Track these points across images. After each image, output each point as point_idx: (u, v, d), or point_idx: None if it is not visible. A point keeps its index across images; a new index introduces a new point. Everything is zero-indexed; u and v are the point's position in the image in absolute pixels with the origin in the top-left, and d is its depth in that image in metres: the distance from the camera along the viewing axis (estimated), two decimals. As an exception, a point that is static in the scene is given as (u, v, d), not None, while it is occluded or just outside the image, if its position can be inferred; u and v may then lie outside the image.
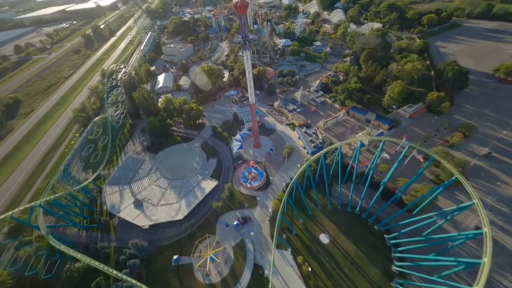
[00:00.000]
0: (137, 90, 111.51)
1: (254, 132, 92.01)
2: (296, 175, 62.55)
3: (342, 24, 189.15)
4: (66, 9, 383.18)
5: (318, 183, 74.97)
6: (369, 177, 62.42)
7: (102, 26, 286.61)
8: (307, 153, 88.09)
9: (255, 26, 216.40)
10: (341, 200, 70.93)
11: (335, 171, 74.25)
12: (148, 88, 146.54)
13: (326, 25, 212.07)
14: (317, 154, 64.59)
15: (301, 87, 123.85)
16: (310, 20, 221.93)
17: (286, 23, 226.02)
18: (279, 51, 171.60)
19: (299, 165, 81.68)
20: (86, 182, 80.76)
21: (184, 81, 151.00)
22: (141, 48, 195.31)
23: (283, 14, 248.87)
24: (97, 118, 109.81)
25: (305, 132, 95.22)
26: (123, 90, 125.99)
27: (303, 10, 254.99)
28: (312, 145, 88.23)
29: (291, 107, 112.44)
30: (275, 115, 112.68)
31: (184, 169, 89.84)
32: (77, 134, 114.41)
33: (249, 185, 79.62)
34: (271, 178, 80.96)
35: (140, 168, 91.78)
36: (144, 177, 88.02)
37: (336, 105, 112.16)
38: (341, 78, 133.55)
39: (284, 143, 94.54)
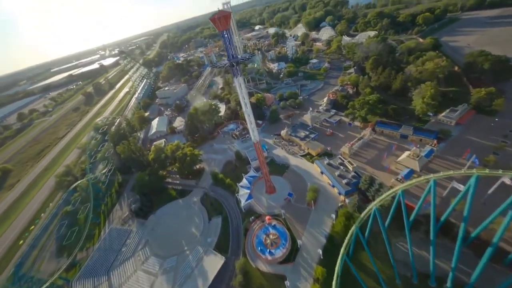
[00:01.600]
0: (121, 144, 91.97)
1: (263, 174, 68.17)
2: (343, 247, 36.92)
3: (334, 39, 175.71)
4: (72, 74, 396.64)
5: (369, 241, 48.29)
6: (461, 229, 36.09)
7: (102, 82, 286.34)
8: (339, 193, 62.56)
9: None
10: (415, 267, 43.42)
11: (392, 220, 47.92)
12: (141, 136, 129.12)
13: (317, 44, 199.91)
14: (365, 212, 39.46)
15: (310, 109, 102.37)
16: (300, 42, 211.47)
17: (276, 48, 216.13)
18: (277, 75, 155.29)
19: (333, 215, 56.03)
20: (48, 283, 56.23)
21: (179, 122, 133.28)
22: (136, 96, 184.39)
23: (271, 41, 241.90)
24: (78, 182, 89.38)
25: (329, 164, 70.74)
26: (111, 144, 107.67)
27: (291, 34, 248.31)
28: (344, 181, 63.06)
29: (302, 133, 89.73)
30: (285, 146, 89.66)
31: (180, 238, 64.88)
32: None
33: (269, 257, 53.32)
34: (298, 241, 54.62)
35: (125, 244, 67.37)
36: (129, 258, 63.13)
37: (357, 123, 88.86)
38: (350, 91, 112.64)
39: (304, 183, 69.86)
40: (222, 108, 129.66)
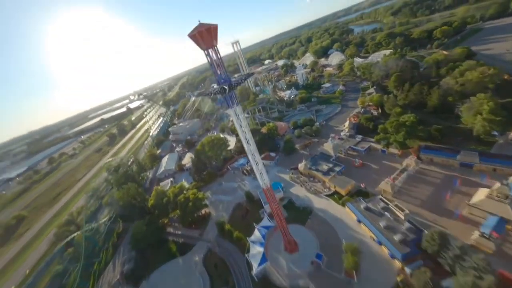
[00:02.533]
0: (121, 189, 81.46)
1: (280, 228, 50.64)
2: None
3: (346, 62, 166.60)
4: (103, 118, 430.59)
5: None
6: None
7: (125, 123, 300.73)
8: (392, 256, 42.21)
9: (257, 88, 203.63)
10: None
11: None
12: (150, 175, 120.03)
13: (327, 69, 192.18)
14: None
15: (331, 136, 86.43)
16: (309, 69, 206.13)
17: (286, 78, 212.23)
18: (289, 102, 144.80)
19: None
20: None
21: (188, 159, 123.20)
22: (151, 134, 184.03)
23: (281, 72, 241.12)
24: (71, 236, 78.06)
25: (367, 208, 51.60)
26: (116, 188, 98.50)
27: (300, 63, 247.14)
28: (396, 237, 43.09)
29: (324, 166, 72.55)
30: (305, 183, 72.30)
31: (173, 322, 46.60)
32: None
33: None
34: None
35: (105, 328, 50.30)
36: None
37: (393, 150, 70.24)
38: (374, 112, 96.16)
39: (336, 237, 50.66)
40: (233, 141, 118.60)
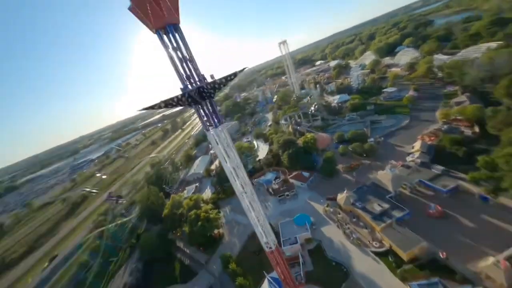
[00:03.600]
0: (143, 191, 79.92)
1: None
2: None
3: (420, 61, 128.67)
4: (165, 114, 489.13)
5: None
6: None
7: (178, 120, 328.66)
8: None
9: (303, 91, 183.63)
10: None
11: None
12: (181, 176, 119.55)
13: (393, 69, 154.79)
14: None
15: (390, 163, 62.24)
16: (368, 70, 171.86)
17: (338, 80, 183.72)
18: (337, 110, 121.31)
19: None
20: None
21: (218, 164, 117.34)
22: (192, 133, 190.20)
23: (332, 74, 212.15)
24: (100, 229, 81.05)
25: (452, 308, 29.37)
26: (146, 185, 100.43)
27: (356, 64, 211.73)
28: None
29: (376, 205, 50.73)
30: (344, 225, 52.32)
31: None
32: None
33: None
34: None
35: None
36: None
37: (506, 199, 42.44)
38: (468, 132, 65.21)
39: None
40: (264, 150, 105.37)
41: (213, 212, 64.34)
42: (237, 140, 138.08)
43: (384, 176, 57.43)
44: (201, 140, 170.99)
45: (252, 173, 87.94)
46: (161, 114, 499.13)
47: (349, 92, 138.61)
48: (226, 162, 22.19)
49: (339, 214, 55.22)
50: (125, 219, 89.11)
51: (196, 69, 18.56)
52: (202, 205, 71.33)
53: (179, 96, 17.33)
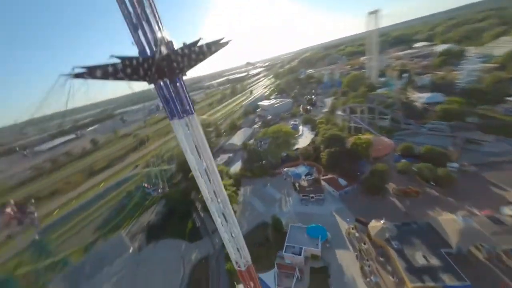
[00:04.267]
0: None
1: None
2: None
3: None
4: (228, 78, 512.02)
5: None
6: None
7: (238, 86, 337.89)
8: None
9: (381, 79, 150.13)
10: None
11: None
12: (221, 143, 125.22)
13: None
14: None
15: (465, 210, 44.38)
16: (495, 65, 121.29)
17: (439, 72, 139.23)
18: (421, 111, 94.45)
19: None
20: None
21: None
22: (244, 103, 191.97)
23: (433, 62, 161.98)
24: (146, 169, 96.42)
25: None
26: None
27: (478, 53, 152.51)
28: None
29: (419, 257, 38.17)
30: (365, 257, 42.64)
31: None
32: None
33: None
34: None
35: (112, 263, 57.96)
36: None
37: None
38: None
39: None
40: (307, 139, 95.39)
41: (230, 189, 64.59)
42: (285, 120, 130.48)
43: (451, 222, 41.55)
44: (250, 112, 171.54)
45: (284, 161, 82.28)
46: (225, 78, 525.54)
47: (447, 91, 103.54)
48: (195, 163, 18.09)
49: (364, 244, 45.10)
50: (167, 167, 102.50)
51: (161, 30, 13.73)
52: (225, 178, 72.80)
53: (138, 61, 13.17)
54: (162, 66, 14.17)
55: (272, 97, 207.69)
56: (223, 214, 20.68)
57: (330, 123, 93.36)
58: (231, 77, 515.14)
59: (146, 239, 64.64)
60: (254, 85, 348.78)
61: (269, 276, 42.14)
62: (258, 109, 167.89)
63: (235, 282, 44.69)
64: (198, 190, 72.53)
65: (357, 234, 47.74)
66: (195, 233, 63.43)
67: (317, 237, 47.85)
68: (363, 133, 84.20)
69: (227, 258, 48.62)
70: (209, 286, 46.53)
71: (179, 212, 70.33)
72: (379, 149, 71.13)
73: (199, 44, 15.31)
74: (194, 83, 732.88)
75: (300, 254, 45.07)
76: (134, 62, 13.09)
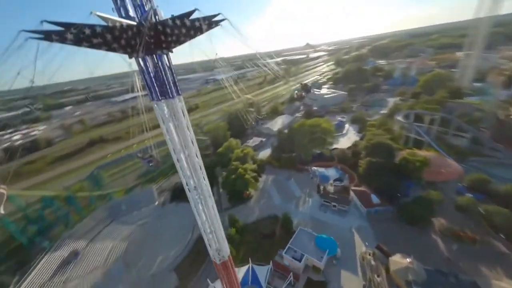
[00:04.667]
0: (216, 122, 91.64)
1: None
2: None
3: None
4: (286, 59, 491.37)
5: None
6: None
7: (293, 69, 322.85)
8: None
9: (477, 84, 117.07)
10: None
11: None
12: (258, 126, 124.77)
13: None
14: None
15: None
16: None
17: None
18: None
19: None
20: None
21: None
22: (295, 87, 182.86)
23: None
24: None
25: None
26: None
27: None
28: None
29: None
30: (373, 294, 37.19)
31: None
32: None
33: None
34: None
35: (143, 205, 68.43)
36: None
37: None
38: None
39: None
40: (351, 140, 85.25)
41: (250, 174, 64.65)
42: (331, 114, 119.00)
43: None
44: (294, 99, 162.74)
45: (315, 159, 76.41)
46: (281, 58, 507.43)
47: None
48: (175, 148, 17.24)
49: (378, 276, 39.09)
50: (203, 138, 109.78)
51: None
52: (249, 162, 73.18)
53: (123, 27, 12.28)
54: (150, 37, 13.00)
55: (326, 86, 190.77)
56: (202, 205, 20.05)
57: (383, 128, 79.80)
58: (289, 58, 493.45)
59: (170, 197, 72.70)
60: (309, 70, 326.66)
61: (262, 270, 41.79)
62: (306, 98, 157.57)
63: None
64: (222, 166, 75.97)
65: (373, 262, 41.63)
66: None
67: (325, 249, 43.99)
68: (423, 148, 69.26)
69: (229, 237, 50.35)
70: (205, 260, 49.59)
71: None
72: (438, 172, 57.57)
73: (192, 17, 13.40)
74: (249, 59, 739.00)
75: (300, 261, 42.69)
76: (119, 27, 12.04)
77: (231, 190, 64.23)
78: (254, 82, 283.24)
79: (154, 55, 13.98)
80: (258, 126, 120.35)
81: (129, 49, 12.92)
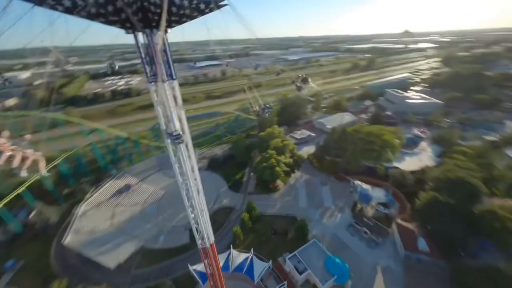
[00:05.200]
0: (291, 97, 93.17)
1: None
2: None
3: None
4: (375, 46, 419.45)
5: None
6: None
7: (379, 60, 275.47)
8: None
9: None
10: None
11: None
12: (312, 118, 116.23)
13: None
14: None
15: None
16: None
17: None
18: None
19: None
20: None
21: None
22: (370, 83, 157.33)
23: None
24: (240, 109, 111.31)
25: None
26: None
27: None
28: None
29: None
30: None
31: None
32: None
33: None
34: None
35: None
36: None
37: None
38: None
39: None
40: (421, 163, 68.93)
41: (282, 167, 62.60)
42: (408, 124, 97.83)
43: None
44: (369, 96, 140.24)
45: (364, 171, 66.29)
46: (369, 45, 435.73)
47: None
48: (166, 134, 17.24)
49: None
50: (252, 118, 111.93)
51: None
52: (287, 154, 70.68)
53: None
54: (152, 11, 12.63)
55: (416, 88, 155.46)
56: (192, 197, 20.45)
57: (478, 161, 59.61)
58: (379, 45, 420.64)
59: (207, 165, 79.98)
60: (401, 63, 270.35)
61: (260, 265, 41.95)
62: (382, 97, 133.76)
63: (236, 241, 48.65)
64: (260, 151, 76.37)
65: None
66: (237, 185, 70.61)
67: (333, 274, 39.81)
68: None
69: (242, 222, 52.22)
70: (222, 230, 53.53)
71: (238, 159, 79.35)
72: None
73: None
74: (331, 42, 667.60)
75: (301, 274, 40.39)
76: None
77: (259, 177, 64.60)
78: (328, 69, 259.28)
79: (151, 33, 13.58)
80: (312, 118, 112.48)
81: (128, 23, 12.74)
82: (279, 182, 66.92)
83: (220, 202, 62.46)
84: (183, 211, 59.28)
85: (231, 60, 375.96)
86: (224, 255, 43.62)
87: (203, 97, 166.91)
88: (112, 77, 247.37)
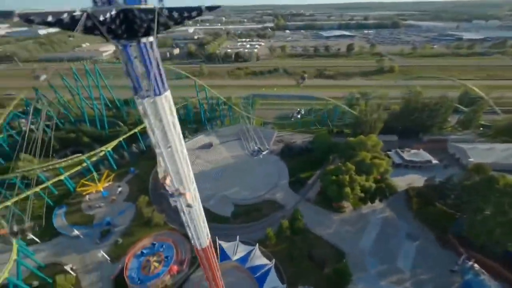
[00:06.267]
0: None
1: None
2: None
3: None
4: None
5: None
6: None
7: None
8: None
9: None
10: None
11: None
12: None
13: None
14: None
15: None
16: None
17: None
18: None
19: None
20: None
21: None
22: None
23: None
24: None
25: None
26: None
27: None
28: None
29: None
30: None
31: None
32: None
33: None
34: None
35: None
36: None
37: None
38: None
39: None
40: None
41: (357, 191, 50.77)
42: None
43: None
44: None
45: (492, 254, 41.60)
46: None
47: None
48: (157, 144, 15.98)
49: None
50: (354, 112, 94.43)
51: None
52: (373, 175, 56.07)
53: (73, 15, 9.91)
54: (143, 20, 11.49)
55: None
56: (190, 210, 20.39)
57: None
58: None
59: (281, 150, 79.29)
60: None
61: (274, 280, 40.20)
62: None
63: (267, 241, 48.59)
64: (341, 156, 65.26)
65: None
66: (300, 183, 65.76)
67: None
68: None
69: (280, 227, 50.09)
70: (259, 222, 54.81)
71: (315, 156, 72.82)
72: None
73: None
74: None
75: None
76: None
77: (324, 188, 56.55)
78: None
79: (138, 42, 12.32)
80: (449, 137, 79.06)
81: (111, 34, 12.10)
82: (347, 203, 56.15)
83: (273, 194, 61.95)
84: (239, 185, 64.76)
85: (370, 31, 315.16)
86: (248, 248, 45.07)
87: (312, 73, 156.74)
88: (243, 39, 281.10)
